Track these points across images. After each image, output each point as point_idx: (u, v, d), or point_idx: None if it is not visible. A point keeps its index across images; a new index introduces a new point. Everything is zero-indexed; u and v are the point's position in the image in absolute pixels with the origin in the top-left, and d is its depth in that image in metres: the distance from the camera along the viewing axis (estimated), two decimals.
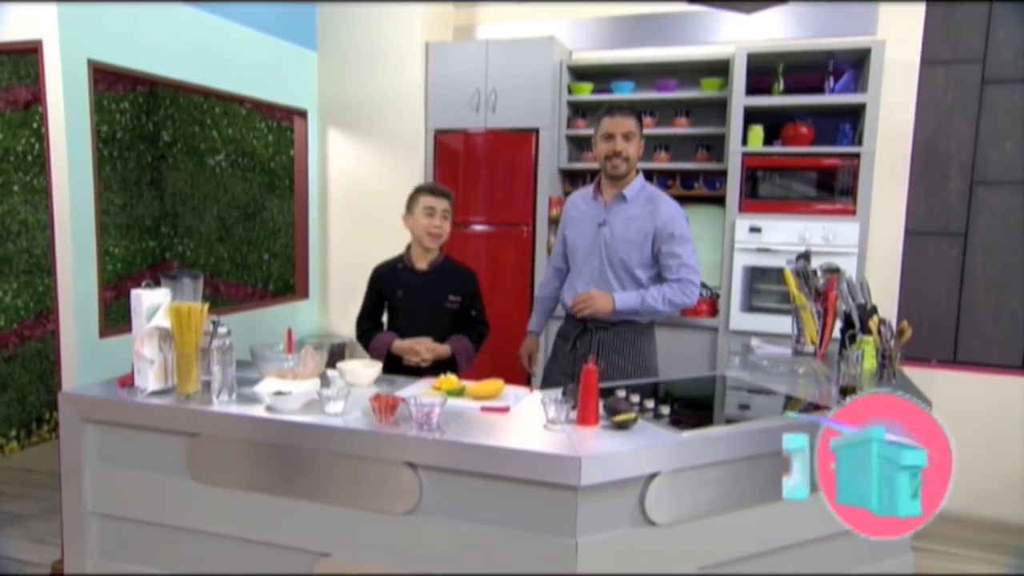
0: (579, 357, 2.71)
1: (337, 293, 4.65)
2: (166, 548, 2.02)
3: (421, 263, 2.72)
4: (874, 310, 2.58)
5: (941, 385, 3.70)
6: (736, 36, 4.00)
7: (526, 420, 1.91)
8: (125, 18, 3.18)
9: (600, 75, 4.27)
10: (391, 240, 4.03)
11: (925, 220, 3.85)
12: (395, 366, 2.62)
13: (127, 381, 2.08)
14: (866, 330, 2.50)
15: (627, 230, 2.65)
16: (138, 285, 2.07)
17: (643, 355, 2.72)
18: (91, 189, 2.99)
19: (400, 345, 2.62)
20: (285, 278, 4.84)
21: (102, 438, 2.04)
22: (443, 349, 2.63)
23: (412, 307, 2.68)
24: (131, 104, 5.11)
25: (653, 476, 1.73)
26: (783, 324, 3.19)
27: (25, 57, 3.98)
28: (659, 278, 2.67)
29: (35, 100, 4.21)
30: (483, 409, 1.98)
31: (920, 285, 3.87)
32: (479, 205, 4.28)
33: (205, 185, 5.29)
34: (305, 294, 4.60)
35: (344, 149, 4.52)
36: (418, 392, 2.10)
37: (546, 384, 2.80)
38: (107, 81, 4.79)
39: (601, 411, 1.89)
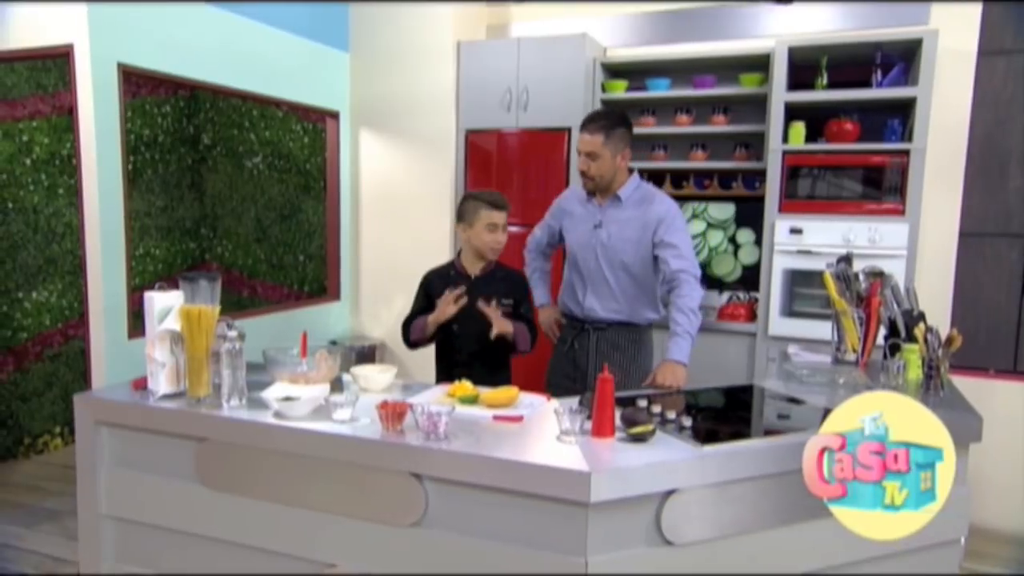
0: (578, 356, 2.75)
1: (369, 295, 4.64)
2: (178, 554, 2.00)
3: (474, 269, 2.68)
4: (921, 317, 2.42)
5: (1000, 396, 3.49)
6: (777, 29, 3.84)
7: (539, 430, 1.83)
8: (155, 21, 3.21)
9: (635, 72, 4.16)
10: (423, 242, 4.02)
11: (982, 220, 3.62)
12: (448, 359, 2.60)
13: (141, 384, 2.07)
14: (912, 338, 2.35)
15: (624, 230, 2.63)
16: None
17: (641, 355, 2.71)
18: (120, 192, 3.03)
19: (437, 314, 2.52)
20: (320, 279, 4.85)
21: (116, 441, 2.03)
22: (509, 325, 2.50)
23: (466, 313, 2.61)
24: (172, 108, 5.20)
25: (671, 493, 1.63)
26: (826, 330, 3.02)
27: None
28: (657, 272, 2.63)
29: None
30: (496, 418, 1.91)
31: (976, 290, 3.65)
32: (513, 207, 4.17)
33: (243, 187, 5.35)
34: (336, 296, 4.60)
35: (376, 150, 4.51)
36: (431, 399, 2.04)
37: (550, 386, 2.80)
38: (149, 86, 4.88)
39: (618, 422, 1.80)
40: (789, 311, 3.59)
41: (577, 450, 1.67)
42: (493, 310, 2.49)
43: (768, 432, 1.98)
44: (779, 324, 3.59)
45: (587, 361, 2.70)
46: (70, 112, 4.35)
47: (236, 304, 5.40)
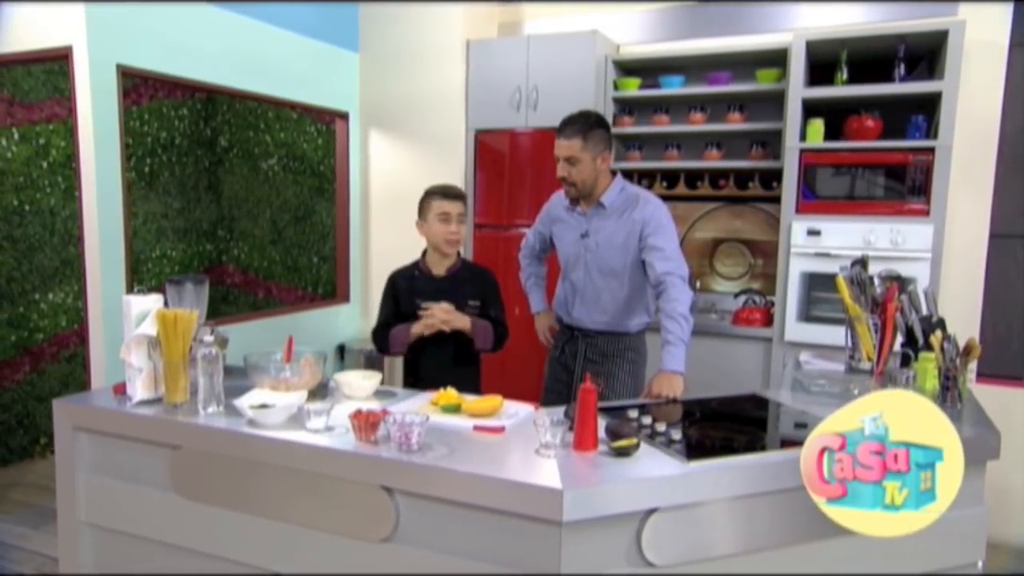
0: (567, 363, 2.70)
1: (378, 297, 4.54)
2: (154, 563, 1.96)
3: (439, 269, 2.60)
4: (939, 324, 2.28)
5: None
6: (795, 23, 3.69)
7: (520, 442, 1.75)
8: (156, 22, 3.18)
9: (648, 69, 4.04)
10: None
11: (1014, 221, 3.43)
12: (418, 362, 2.58)
13: (121, 389, 2.04)
14: (930, 346, 2.21)
15: (612, 237, 2.55)
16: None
17: (632, 362, 2.64)
18: (120, 194, 3.02)
19: (416, 326, 2.48)
20: (333, 281, 4.83)
21: (94, 447, 2.00)
22: (463, 319, 2.47)
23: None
24: (189, 110, 5.23)
25: (652, 511, 1.53)
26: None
27: None
28: (645, 275, 2.54)
29: None
30: (476, 428, 1.83)
31: (1008, 294, 3.46)
32: (522, 207, 4.13)
33: (259, 189, 5.36)
34: (346, 298, 4.56)
35: (386, 151, 4.47)
36: (413, 407, 1.97)
37: (547, 392, 2.77)
38: (166, 88, 4.91)
39: (603, 434, 1.70)
40: (806, 316, 3.44)
41: (554, 465, 1.58)
42: (442, 311, 2.44)
43: (764, 447, 1.87)
44: (795, 329, 3.44)
45: (577, 367, 2.64)
46: None
47: (252, 306, 5.42)
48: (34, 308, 4.30)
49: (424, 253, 2.65)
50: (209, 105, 5.37)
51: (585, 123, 2.45)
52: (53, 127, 4.27)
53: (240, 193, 5.43)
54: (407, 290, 2.61)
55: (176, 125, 5.14)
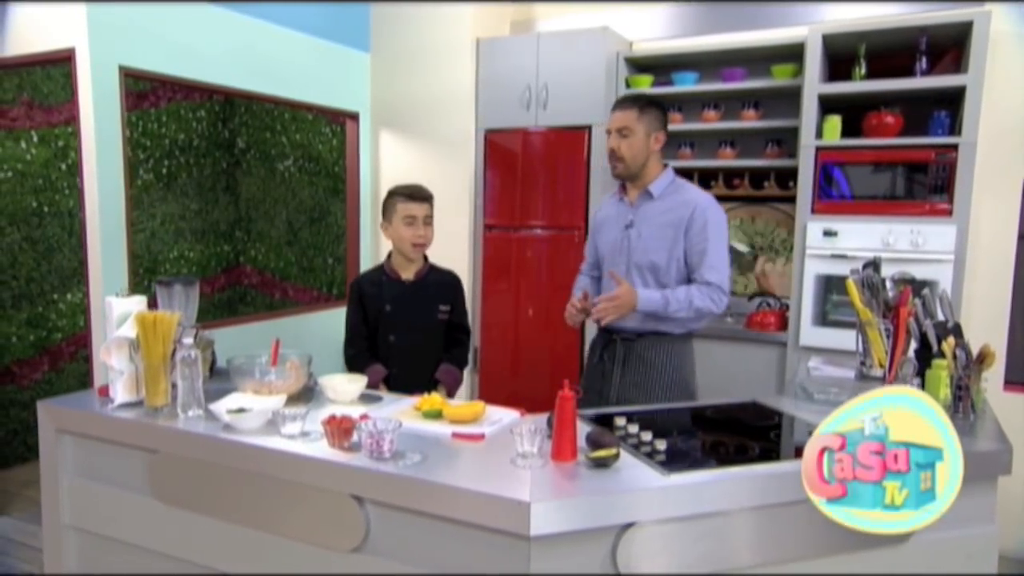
0: (606, 370, 2.51)
1: None
2: (135, 568, 1.94)
3: (406, 273, 2.54)
4: (954, 329, 2.16)
5: None
6: (811, 17, 3.57)
7: (498, 451, 1.68)
8: (158, 24, 3.18)
9: (661, 66, 3.94)
10: (441, 244, 3.89)
11: None
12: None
13: (105, 391, 2.02)
14: (942, 353, 2.09)
15: (657, 229, 2.40)
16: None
17: (677, 369, 2.44)
18: (122, 196, 3.02)
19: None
20: (346, 282, 4.82)
21: (77, 450, 2.00)
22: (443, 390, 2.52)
23: (402, 321, 2.52)
24: (207, 112, 5.28)
25: (628, 526, 1.46)
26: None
27: None
28: (688, 280, 2.40)
29: None
30: (455, 436, 1.77)
31: None
32: (533, 208, 4.06)
33: (275, 190, 5.38)
34: None
35: (396, 151, 4.44)
36: (394, 412, 1.92)
37: (584, 400, 2.58)
38: (184, 91, 4.96)
39: (584, 444, 1.64)
40: (822, 320, 3.32)
41: (527, 476, 1.52)
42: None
43: (753, 459, 1.78)
44: (811, 334, 3.32)
45: (615, 376, 2.45)
46: None
47: (269, 306, 5.44)
48: (52, 308, 4.37)
49: (389, 256, 2.58)
50: (227, 107, 5.41)
51: (641, 99, 2.44)
52: (71, 129, 4.32)
53: (257, 194, 5.46)
54: (375, 296, 2.54)
55: (194, 127, 5.19)
